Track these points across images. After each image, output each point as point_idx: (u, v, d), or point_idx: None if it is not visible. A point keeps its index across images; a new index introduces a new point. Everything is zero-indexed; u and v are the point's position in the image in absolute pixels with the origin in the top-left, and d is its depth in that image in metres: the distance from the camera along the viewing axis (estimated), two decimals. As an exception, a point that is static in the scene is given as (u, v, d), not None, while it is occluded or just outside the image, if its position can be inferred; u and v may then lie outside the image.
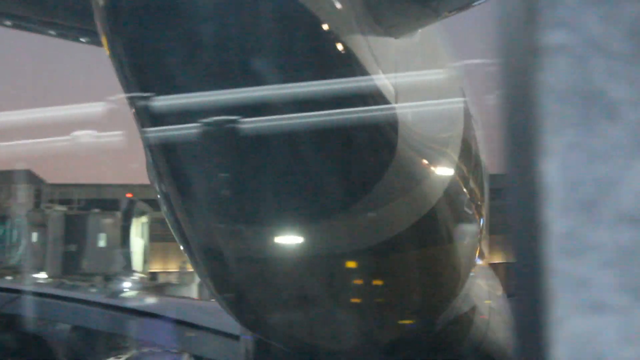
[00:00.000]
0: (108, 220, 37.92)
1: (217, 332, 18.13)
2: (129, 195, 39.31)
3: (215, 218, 7.74)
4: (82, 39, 8.47)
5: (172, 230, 8.60)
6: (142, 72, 6.66)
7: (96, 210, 38.03)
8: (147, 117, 6.80)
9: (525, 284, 1.45)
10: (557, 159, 1.43)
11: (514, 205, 1.47)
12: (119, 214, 38.01)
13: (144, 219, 38.56)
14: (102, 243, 37.47)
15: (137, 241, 37.97)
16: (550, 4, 1.44)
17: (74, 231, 37.08)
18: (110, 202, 39.28)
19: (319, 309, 8.59)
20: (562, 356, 1.42)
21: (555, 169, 1.43)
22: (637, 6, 1.43)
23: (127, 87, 6.64)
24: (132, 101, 6.76)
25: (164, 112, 6.59)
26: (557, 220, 1.43)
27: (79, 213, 37.84)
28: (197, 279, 39.72)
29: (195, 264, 8.86)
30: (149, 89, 6.61)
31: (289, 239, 7.95)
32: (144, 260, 38.49)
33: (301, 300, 8.57)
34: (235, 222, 7.69)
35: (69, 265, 36.50)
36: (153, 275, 41.86)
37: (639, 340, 1.40)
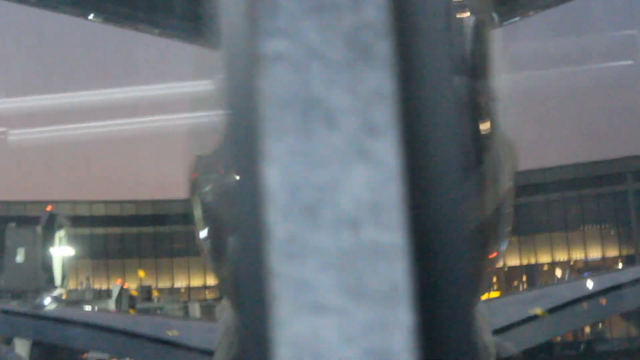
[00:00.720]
0: (26, 235, 37.15)
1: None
2: (48, 208, 38.58)
3: None
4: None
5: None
6: None
7: (13, 224, 37.25)
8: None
9: (250, 287, 1.48)
10: (278, 164, 1.47)
11: (238, 209, 1.50)
12: (38, 228, 37.24)
13: (62, 233, 37.89)
14: (20, 258, 36.68)
15: (56, 256, 37.26)
16: (271, 12, 1.48)
17: (-11, 246, 36.24)
18: (25, 218, 38.61)
19: None
20: (284, 357, 1.45)
21: (276, 174, 1.47)
22: (354, 16, 1.48)
23: None
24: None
25: None
26: (279, 224, 1.47)
27: (-5, 228, 37.01)
28: (113, 295, 39.28)
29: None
30: None
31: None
32: (62, 275, 37.78)
33: None
34: None
35: (-15, 281, 35.64)
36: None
37: (357, 340, 1.45)
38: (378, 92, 1.48)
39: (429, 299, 1.47)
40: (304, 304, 1.46)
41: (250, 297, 1.48)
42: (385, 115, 1.48)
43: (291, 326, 1.45)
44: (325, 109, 1.47)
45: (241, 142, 1.49)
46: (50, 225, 37.12)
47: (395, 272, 1.46)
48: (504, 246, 10.55)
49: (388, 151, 1.47)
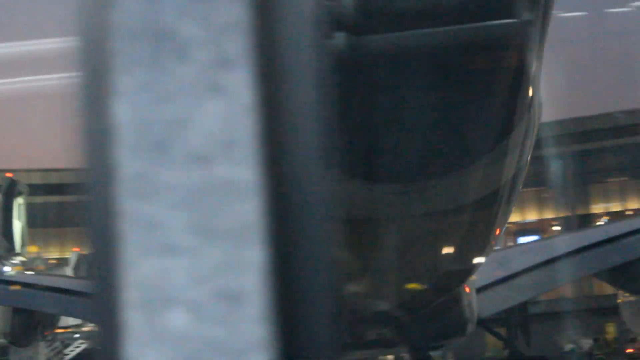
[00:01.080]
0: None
1: None
2: (9, 174, 37.76)
3: None
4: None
5: None
6: None
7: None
8: None
9: (98, 227, 1.37)
10: (127, 99, 1.36)
11: (86, 147, 1.38)
12: (-2, 196, 36.49)
13: (21, 201, 37.19)
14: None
15: (16, 223, 36.60)
16: None
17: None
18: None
19: None
20: (133, 299, 1.35)
21: (125, 110, 1.36)
22: None
23: None
24: None
25: None
26: (128, 162, 1.36)
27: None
28: (70, 263, 38.68)
29: None
30: None
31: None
32: (22, 243, 37.11)
33: None
34: None
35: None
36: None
37: (206, 280, 1.35)
38: (232, 24, 1.37)
39: (282, 237, 1.37)
40: (152, 244, 1.35)
41: (100, 238, 1.37)
42: (239, 47, 1.37)
43: (140, 267, 1.35)
44: (177, 41, 1.36)
45: (91, 76, 1.37)
46: (10, 193, 36.36)
47: (247, 210, 1.36)
48: (506, 222, 10.30)
49: (242, 85, 1.37)
